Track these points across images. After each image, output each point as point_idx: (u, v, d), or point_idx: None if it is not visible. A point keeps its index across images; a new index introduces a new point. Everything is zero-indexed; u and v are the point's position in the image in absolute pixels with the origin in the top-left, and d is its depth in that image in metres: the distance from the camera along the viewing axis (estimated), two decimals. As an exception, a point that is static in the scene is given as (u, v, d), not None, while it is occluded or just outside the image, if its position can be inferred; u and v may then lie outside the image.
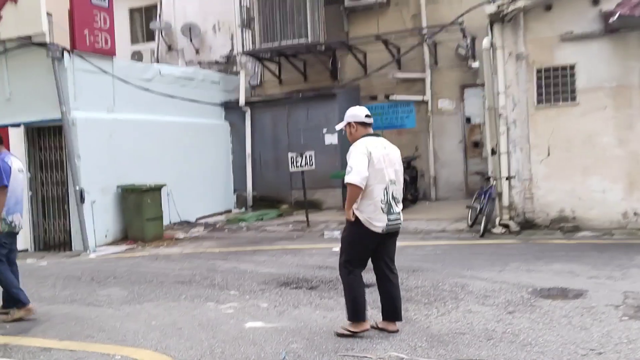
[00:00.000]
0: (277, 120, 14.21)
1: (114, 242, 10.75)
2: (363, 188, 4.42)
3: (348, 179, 4.42)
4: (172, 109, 12.56)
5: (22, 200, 5.88)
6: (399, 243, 4.89)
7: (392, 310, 4.67)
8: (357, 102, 14.36)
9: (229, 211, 13.98)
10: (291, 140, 13.84)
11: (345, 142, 13.38)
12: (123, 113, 11.29)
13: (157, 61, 15.93)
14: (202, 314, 5.50)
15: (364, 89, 14.33)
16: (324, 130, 13.57)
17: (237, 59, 14.98)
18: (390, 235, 4.64)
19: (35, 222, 10.84)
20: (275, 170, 13.93)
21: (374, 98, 14.25)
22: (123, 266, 8.39)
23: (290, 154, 11.27)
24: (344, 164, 13.59)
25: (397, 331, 4.63)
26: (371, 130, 4.74)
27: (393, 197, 4.56)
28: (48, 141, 10.78)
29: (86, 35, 10.52)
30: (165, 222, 11.62)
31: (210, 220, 12.92)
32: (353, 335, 4.56)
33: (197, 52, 16.46)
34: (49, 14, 9.98)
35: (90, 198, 10.37)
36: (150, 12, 17.36)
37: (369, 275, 4.78)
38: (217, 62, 16.08)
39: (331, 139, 13.57)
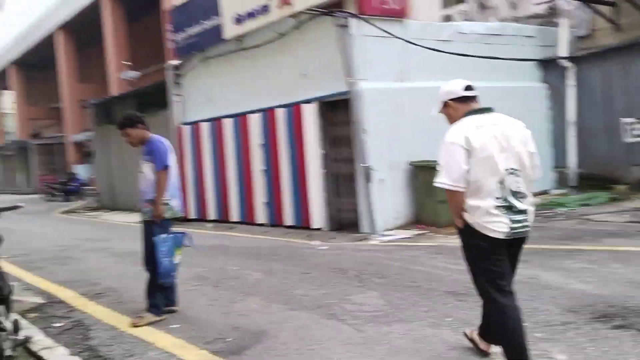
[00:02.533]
0: (611, 77, 11.11)
1: (405, 226, 9.65)
2: (462, 189, 3.33)
3: (436, 182, 3.43)
4: (472, 73, 10.50)
5: (176, 184, 5.29)
6: None
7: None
8: None
9: (546, 192, 11.57)
10: (630, 102, 10.66)
11: None
12: (414, 81, 10.00)
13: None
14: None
15: None
16: (681, 86, 10.10)
17: (559, 5, 12.25)
18: (515, 243, 3.40)
19: (329, 200, 10.45)
20: (607, 142, 10.91)
21: None
22: (398, 260, 7.11)
23: (624, 120, 8.36)
24: None
25: (488, 354, 3.69)
26: (476, 105, 3.59)
27: (514, 192, 3.33)
28: (339, 116, 10.19)
29: (374, -4, 9.50)
30: (464, 204, 10.03)
31: (521, 203, 10.79)
32: None
33: (513, 6, 14.16)
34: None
35: (378, 176, 9.44)
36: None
37: None
38: (536, 16, 13.58)
39: (692, 97, 10.01)
